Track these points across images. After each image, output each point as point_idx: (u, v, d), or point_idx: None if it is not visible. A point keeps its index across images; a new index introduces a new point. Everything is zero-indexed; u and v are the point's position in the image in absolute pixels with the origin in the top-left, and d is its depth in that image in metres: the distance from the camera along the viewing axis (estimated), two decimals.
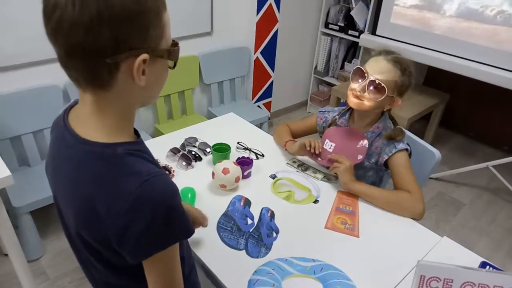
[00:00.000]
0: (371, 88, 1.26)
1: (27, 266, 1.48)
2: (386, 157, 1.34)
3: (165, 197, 0.63)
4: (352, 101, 1.31)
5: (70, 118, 0.69)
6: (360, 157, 1.36)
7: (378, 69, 1.25)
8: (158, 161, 1.43)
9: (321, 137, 1.51)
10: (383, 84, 1.24)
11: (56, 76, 1.94)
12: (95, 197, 0.62)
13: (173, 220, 0.64)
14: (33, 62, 1.90)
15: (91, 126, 0.65)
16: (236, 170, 1.31)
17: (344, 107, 1.48)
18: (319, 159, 1.43)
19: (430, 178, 2.76)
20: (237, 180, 1.31)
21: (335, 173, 1.37)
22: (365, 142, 1.36)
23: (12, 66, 1.87)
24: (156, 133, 2.52)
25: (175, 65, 0.68)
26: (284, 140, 1.53)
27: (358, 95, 1.28)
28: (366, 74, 1.26)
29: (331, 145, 1.42)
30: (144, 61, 0.59)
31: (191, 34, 2.46)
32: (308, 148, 1.40)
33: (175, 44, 0.65)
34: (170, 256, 0.68)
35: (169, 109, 2.57)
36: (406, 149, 1.34)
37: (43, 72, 1.93)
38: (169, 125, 2.53)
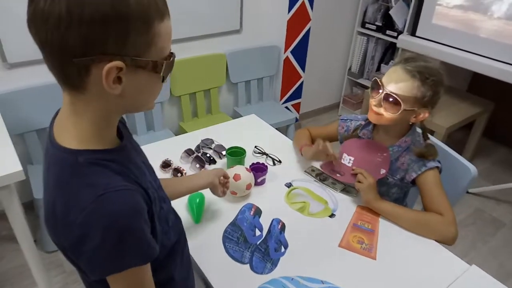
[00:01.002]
0: (387, 101, 1.15)
1: (39, 259, 1.50)
2: (414, 175, 1.22)
3: (119, 216, 0.57)
4: (370, 115, 1.22)
5: (56, 118, 0.67)
6: (383, 171, 1.24)
7: (394, 81, 1.14)
8: (170, 161, 1.39)
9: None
10: (398, 98, 1.12)
11: None
12: (57, 204, 0.59)
13: (126, 243, 0.58)
14: None
15: (66, 129, 0.62)
16: (248, 177, 1.24)
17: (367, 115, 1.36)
18: (337, 175, 1.32)
19: (468, 193, 2.55)
20: (248, 187, 1.24)
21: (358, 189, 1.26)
22: (387, 155, 1.24)
23: (39, 60, 1.90)
24: (180, 131, 2.50)
25: (163, 79, 0.62)
26: (301, 144, 1.43)
27: (375, 109, 1.18)
28: (382, 87, 1.15)
29: (350, 160, 1.30)
30: (120, 69, 0.54)
31: (219, 31, 2.41)
32: (320, 148, 1.27)
33: (168, 57, 0.60)
34: (132, 279, 0.62)
35: (194, 107, 2.54)
36: (437, 166, 1.21)
37: None
38: (194, 123, 2.50)
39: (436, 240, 1.14)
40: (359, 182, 1.22)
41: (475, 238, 2.23)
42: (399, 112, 1.14)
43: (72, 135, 0.61)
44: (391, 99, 1.14)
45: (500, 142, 3.15)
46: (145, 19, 0.54)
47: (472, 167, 1.33)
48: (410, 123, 1.24)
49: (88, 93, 0.57)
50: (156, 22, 0.55)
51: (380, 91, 1.16)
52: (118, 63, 0.53)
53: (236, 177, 1.22)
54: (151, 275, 0.67)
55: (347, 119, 1.42)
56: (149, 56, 0.57)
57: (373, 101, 1.19)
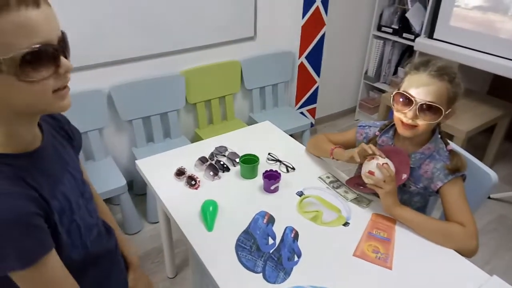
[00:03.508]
0: (425, 112, 1.11)
1: None
2: (440, 184, 1.17)
3: None
4: (403, 131, 1.17)
5: None
6: (404, 176, 1.20)
7: (425, 90, 1.09)
8: (184, 169, 1.39)
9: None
10: (436, 105, 1.09)
11: (100, 80, 2.01)
12: None
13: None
14: (77, 68, 1.97)
15: None
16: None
17: (386, 122, 1.33)
18: (361, 187, 1.29)
19: (490, 198, 2.47)
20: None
21: (371, 192, 1.23)
22: (407, 160, 1.21)
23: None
24: (196, 138, 2.52)
25: (20, 79, 0.54)
26: (329, 146, 1.38)
27: (410, 123, 1.13)
28: (412, 99, 1.11)
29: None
30: None
31: (233, 39, 2.43)
32: (370, 152, 1.19)
33: (17, 55, 0.52)
34: (36, 274, 0.61)
35: (210, 114, 2.56)
36: (462, 175, 1.18)
37: (88, 77, 1.99)
38: (209, 130, 2.52)
39: (455, 251, 1.11)
40: (380, 188, 1.17)
41: (497, 245, 2.15)
42: (441, 117, 1.11)
43: None
44: (429, 109, 1.10)
45: None
46: None
47: (492, 174, 1.29)
48: (433, 129, 1.21)
49: None
50: None
51: (407, 107, 1.12)
52: None
53: (371, 173, 1.17)
54: (61, 266, 0.66)
55: (365, 126, 1.37)
56: None
57: (405, 115, 1.13)
